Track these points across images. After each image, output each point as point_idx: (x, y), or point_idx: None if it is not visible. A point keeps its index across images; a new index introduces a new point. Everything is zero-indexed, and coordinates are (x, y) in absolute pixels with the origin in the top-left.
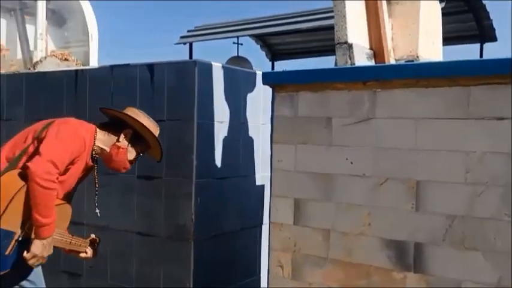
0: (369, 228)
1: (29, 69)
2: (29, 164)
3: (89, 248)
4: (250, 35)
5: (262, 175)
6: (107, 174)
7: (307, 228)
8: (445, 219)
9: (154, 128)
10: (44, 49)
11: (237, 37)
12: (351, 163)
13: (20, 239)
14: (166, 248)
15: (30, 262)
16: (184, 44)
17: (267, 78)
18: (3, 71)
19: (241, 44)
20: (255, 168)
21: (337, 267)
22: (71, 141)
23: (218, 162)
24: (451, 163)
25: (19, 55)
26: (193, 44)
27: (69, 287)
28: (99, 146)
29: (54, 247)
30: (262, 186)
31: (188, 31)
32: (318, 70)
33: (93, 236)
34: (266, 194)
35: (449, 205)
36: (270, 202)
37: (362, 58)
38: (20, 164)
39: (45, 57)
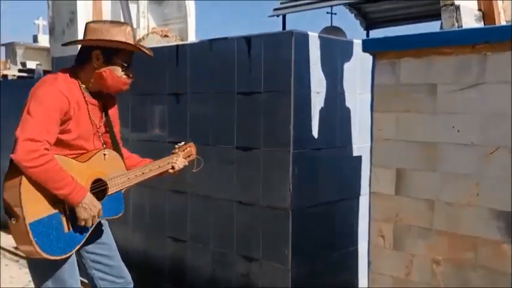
0: (477, 198)
1: None
2: (11, 155)
3: (175, 161)
4: (344, 4)
5: (359, 146)
6: (206, 145)
7: (409, 199)
8: None
9: (120, 32)
10: (146, 27)
11: (331, 6)
12: (458, 131)
13: (69, 211)
14: (266, 217)
15: (87, 224)
16: (278, 16)
17: (367, 46)
18: None
19: (335, 14)
20: (352, 139)
21: (442, 239)
22: (47, 104)
23: (315, 132)
24: None
25: None
26: (287, 15)
27: (174, 252)
28: (88, 82)
29: (128, 188)
30: (360, 157)
31: (281, 3)
32: (422, 35)
33: (178, 145)
34: (363, 165)
35: None
36: (370, 172)
37: (470, 20)
38: None
39: (147, 35)
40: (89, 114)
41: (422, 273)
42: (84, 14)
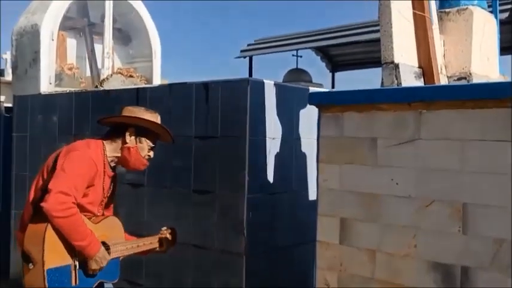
0: (414, 250)
1: (96, 86)
2: (42, 204)
3: (161, 241)
4: (310, 47)
5: (315, 190)
6: (164, 188)
7: (352, 248)
8: (492, 243)
9: (153, 117)
10: (111, 67)
11: (296, 50)
12: (396, 184)
13: (78, 266)
14: (220, 261)
15: (95, 272)
16: (244, 57)
17: (313, 99)
18: (73, 89)
19: (301, 56)
20: (308, 183)
21: None
22: (80, 166)
23: (270, 177)
24: (498, 186)
25: (88, 73)
26: (254, 56)
27: None
28: (113, 156)
29: (125, 256)
30: (315, 201)
31: (248, 45)
32: (363, 91)
33: (163, 229)
34: None
35: (497, 229)
36: (316, 220)
37: (409, 77)
38: None
39: (111, 75)
40: (103, 184)
41: None
42: (47, 54)
